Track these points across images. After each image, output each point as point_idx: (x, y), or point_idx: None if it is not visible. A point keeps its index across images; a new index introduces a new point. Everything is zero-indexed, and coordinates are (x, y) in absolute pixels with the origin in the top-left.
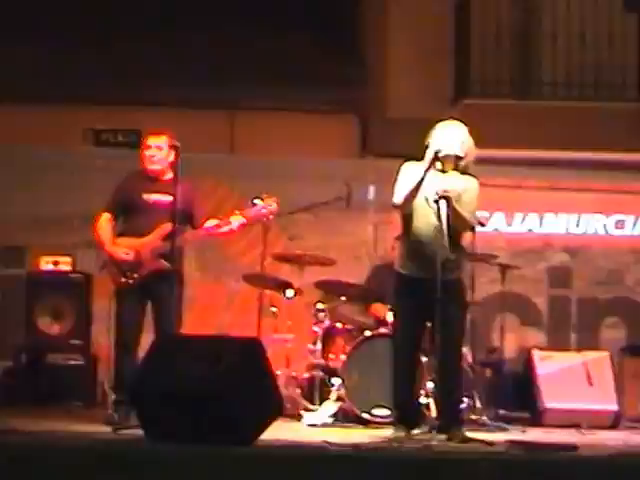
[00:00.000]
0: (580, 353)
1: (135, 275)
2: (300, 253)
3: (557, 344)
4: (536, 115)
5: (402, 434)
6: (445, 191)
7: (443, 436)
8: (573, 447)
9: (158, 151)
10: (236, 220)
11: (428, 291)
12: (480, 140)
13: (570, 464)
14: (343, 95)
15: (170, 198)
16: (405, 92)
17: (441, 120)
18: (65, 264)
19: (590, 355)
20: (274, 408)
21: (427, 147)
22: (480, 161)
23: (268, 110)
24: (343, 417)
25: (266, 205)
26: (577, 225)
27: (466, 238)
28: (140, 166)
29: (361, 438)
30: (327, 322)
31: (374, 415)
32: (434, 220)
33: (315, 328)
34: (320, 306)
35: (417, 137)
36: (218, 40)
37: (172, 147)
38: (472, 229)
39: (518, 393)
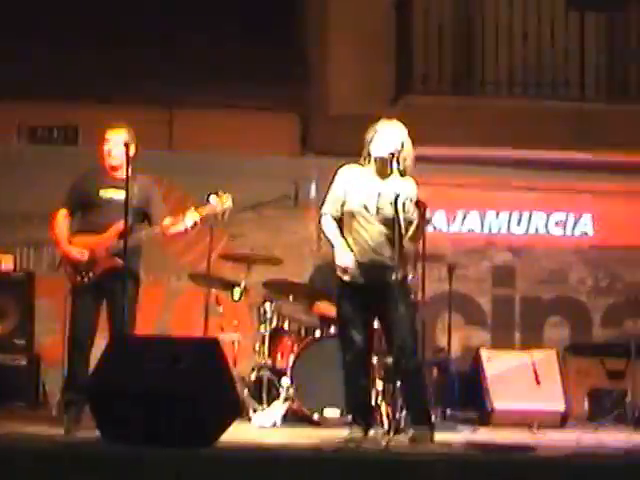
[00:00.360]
0: (527, 352)
1: (90, 274)
2: (247, 252)
3: (501, 343)
4: (478, 113)
5: (359, 435)
6: (397, 194)
7: (400, 437)
8: (531, 448)
9: (117, 145)
10: (191, 218)
11: (373, 294)
12: (422, 138)
13: (528, 465)
14: (284, 93)
15: (125, 195)
16: (347, 90)
17: (380, 119)
18: (6, 262)
19: (537, 354)
20: (233, 409)
21: (365, 145)
22: (421, 159)
23: (208, 107)
24: (292, 418)
25: (221, 202)
26: (518, 224)
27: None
28: (99, 162)
29: (313, 439)
30: (274, 322)
31: (324, 416)
32: (375, 225)
33: (262, 328)
34: (267, 306)
35: (358, 135)
36: (158, 37)
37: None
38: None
39: (465, 393)
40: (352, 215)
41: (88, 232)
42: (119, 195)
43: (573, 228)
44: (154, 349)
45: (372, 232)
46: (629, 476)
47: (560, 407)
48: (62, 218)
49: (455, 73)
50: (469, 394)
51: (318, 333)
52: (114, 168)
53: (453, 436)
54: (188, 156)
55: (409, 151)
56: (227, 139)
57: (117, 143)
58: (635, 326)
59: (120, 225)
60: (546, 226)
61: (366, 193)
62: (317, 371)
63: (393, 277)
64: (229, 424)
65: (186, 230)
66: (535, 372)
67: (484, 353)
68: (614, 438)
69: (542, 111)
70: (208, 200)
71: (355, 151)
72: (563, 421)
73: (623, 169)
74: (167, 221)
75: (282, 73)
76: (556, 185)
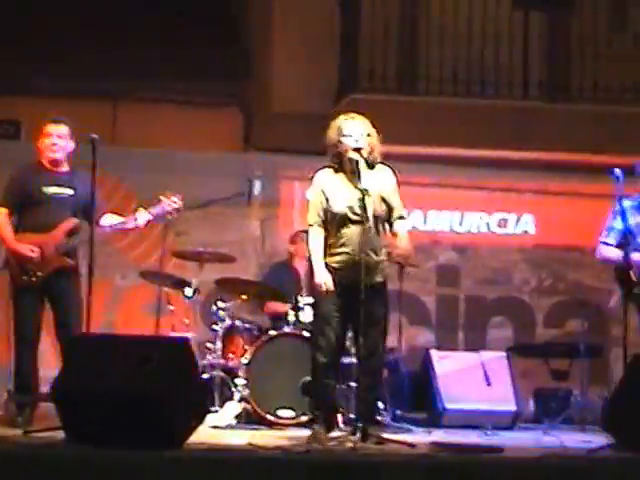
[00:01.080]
0: (478, 353)
1: (39, 273)
2: (200, 250)
3: (445, 343)
4: (422, 112)
5: (322, 435)
6: (365, 191)
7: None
8: (499, 449)
9: (60, 140)
10: (142, 217)
11: (355, 295)
12: None
13: (497, 466)
14: (228, 90)
15: (70, 191)
16: (290, 86)
17: (340, 114)
18: None
19: (487, 355)
20: (201, 410)
21: (329, 144)
22: None
23: (151, 103)
24: (246, 419)
25: (171, 202)
26: (460, 223)
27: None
28: (38, 157)
29: (275, 440)
30: (227, 321)
31: (278, 416)
32: (361, 225)
33: (215, 327)
34: (220, 304)
35: (302, 131)
36: (101, 31)
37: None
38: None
39: (415, 394)
40: (338, 218)
41: (30, 231)
42: (62, 191)
43: (515, 227)
44: (122, 349)
45: (359, 232)
46: (597, 476)
47: (511, 408)
48: (3, 217)
49: (400, 72)
50: (419, 395)
51: (273, 332)
52: (55, 163)
53: (410, 437)
54: (132, 152)
55: (376, 141)
56: (169, 135)
57: (59, 137)
58: (578, 326)
59: (68, 223)
60: (488, 225)
61: (348, 195)
62: (271, 371)
63: (378, 278)
64: (197, 426)
65: (137, 228)
66: (485, 373)
67: (434, 353)
68: (572, 439)
69: (485, 110)
70: (159, 199)
71: (297, 148)
72: (513, 422)
73: (564, 169)
74: (116, 219)
75: (226, 70)
76: (499, 185)
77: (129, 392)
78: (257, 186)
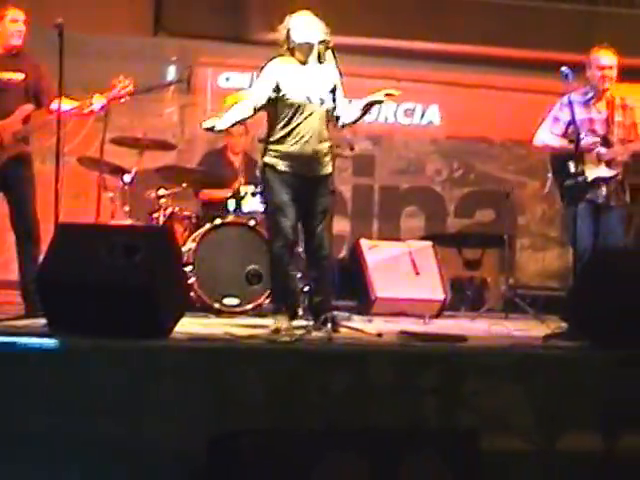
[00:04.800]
0: (405, 243)
1: None
2: (139, 137)
3: (360, 232)
4: (337, 1)
5: (285, 324)
6: (335, 84)
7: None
8: (463, 338)
9: (23, 25)
10: (98, 101)
11: (306, 184)
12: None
13: (469, 354)
14: None
15: (21, 75)
16: None
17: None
18: None
19: (414, 245)
20: (185, 299)
21: (286, 39)
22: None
23: None
24: (193, 306)
25: (124, 86)
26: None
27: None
28: None
29: (234, 328)
30: (169, 209)
31: (225, 305)
32: (316, 115)
33: (155, 215)
34: (162, 192)
35: (214, 17)
36: None
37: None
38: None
39: (344, 282)
40: (293, 106)
41: None
42: (14, 77)
43: (421, 118)
44: (107, 238)
45: (314, 122)
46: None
47: (440, 296)
48: None
49: None
50: (348, 283)
51: (218, 221)
52: (13, 49)
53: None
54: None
55: (327, 35)
56: (76, 17)
57: (25, 23)
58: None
59: (25, 109)
60: (395, 115)
61: (306, 85)
62: (216, 259)
63: (327, 169)
64: (181, 315)
65: (91, 113)
66: (413, 262)
67: (364, 243)
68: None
69: (396, 1)
70: (113, 84)
71: (209, 32)
72: (441, 310)
73: (473, 62)
74: (70, 103)
75: None
76: (408, 75)
77: (116, 282)
78: (172, 71)
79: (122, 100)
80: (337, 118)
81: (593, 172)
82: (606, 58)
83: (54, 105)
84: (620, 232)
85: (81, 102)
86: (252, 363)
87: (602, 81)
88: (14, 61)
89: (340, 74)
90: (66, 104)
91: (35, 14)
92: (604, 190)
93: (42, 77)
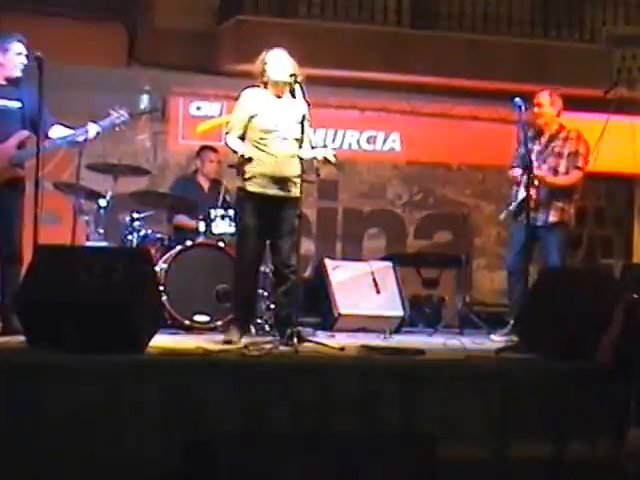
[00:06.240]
0: (367, 263)
1: None
2: (114, 163)
3: (324, 252)
4: (304, 34)
5: (236, 338)
6: (303, 116)
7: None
8: (420, 351)
9: (25, 59)
10: (92, 129)
11: (274, 205)
12: (249, 56)
13: (427, 366)
14: (111, 4)
15: (18, 104)
16: (175, 2)
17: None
18: None
19: (376, 265)
20: (159, 316)
21: (261, 72)
22: (248, 76)
23: (33, 14)
24: (165, 323)
25: (120, 115)
26: (333, 140)
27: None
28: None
29: (196, 343)
30: (143, 231)
31: (195, 321)
32: (284, 143)
33: (129, 237)
34: (135, 215)
35: (186, 48)
36: None
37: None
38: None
39: (308, 299)
40: (263, 132)
41: None
42: (12, 104)
43: (382, 145)
44: (86, 260)
45: (282, 149)
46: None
47: (399, 313)
48: None
49: None
50: (312, 300)
51: (189, 242)
52: (13, 79)
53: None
54: None
55: (296, 71)
56: (52, 48)
57: (27, 57)
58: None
59: (20, 135)
60: (359, 142)
61: (275, 114)
62: (187, 279)
63: (293, 193)
64: (156, 331)
65: (86, 140)
66: (374, 281)
67: (328, 263)
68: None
69: (360, 34)
70: (108, 113)
71: (180, 64)
72: (400, 326)
73: (431, 92)
74: (65, 131)
75: None
76: (370, 105)
77: (95, 300)
78: (144, 100)
79: (117, 129)
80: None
81: (520, 195)
82: (537, 97)
83: (53, 133)
84: (554, 250)
85: (76, 130)
86: (224, 375)
87: (535, 117)
88: (13, 89)
89: (308, 104)
90: (62, 132)
91: None
92: (528, 213)
93: (39, 105)
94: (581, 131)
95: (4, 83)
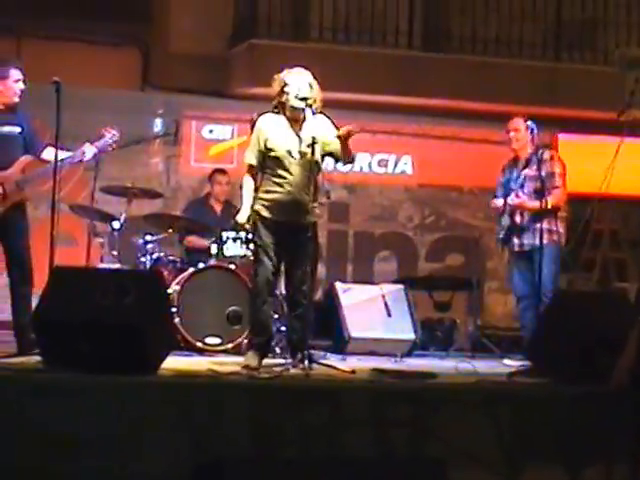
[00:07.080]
0: (378, 286)
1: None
2: (128, 186)
3: (335, 275)
4: (316, 57)
5: (254, 363)
6: (314, 138)
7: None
8: (432, 375)
9: (24, 85)
10: (89, 150)
11: (288, 232)
12: (263, 79)
13: (438, 390)
14: (126, 28)
15: (18, 129)
16: (188, 28)
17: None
18: None
19: (387, 288)
20: (172, 338)
21: (278, 95)
22: (262, 99)
23: (47, 39)
24: (177, 345)
25: (112, 135)
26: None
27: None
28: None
29: (207, 365)
30: (155, 254)
31: (207, 344)
32: (298, 169)
33: (142, 259)
34: (149, 238)
35: (199, 72)
36: None
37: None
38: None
39: (320, 322)
40: (277, 160)
41: None
42: (13, 130)
43: (394, 168)
44: (101, 282)
45: (295, 175)
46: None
47: (410, 336)
48: None
49: (295, 18)
50: (323, 324)
51: (201, 265)
52: (12, 106)
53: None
54: (34, 88)
55: (318, 92)
56: (68, 72)
57: (24, 83)
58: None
59: (25, 159)
60: (370, 165)
61: (288, 140)
62: (199, 301)
63: (310, 219)
64: (168, 353)
65: (82, 162)
66: (386, 304)
67: (339, 286)
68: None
69: (373, 57)
70: (102, 134)
71: (193, 87)
72: (411, 350)
73: (443, 115)
74: (64, 153)
75: (124, 8)
76: (382, 128)
77: (110, 321)
78: (158, 124)
79: (110, 150)
80: (336, 160)
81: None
82: (510, 123)
83: (46, 155)
84: (544, 268)
85: (73, 152)
86: (235, 397)
87: (511, 142)
88: (13, 115)
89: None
90: (60, 154)
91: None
92: (515, 239)
93: (36, 130)
94: (554, 152)
95: (3, 109)
